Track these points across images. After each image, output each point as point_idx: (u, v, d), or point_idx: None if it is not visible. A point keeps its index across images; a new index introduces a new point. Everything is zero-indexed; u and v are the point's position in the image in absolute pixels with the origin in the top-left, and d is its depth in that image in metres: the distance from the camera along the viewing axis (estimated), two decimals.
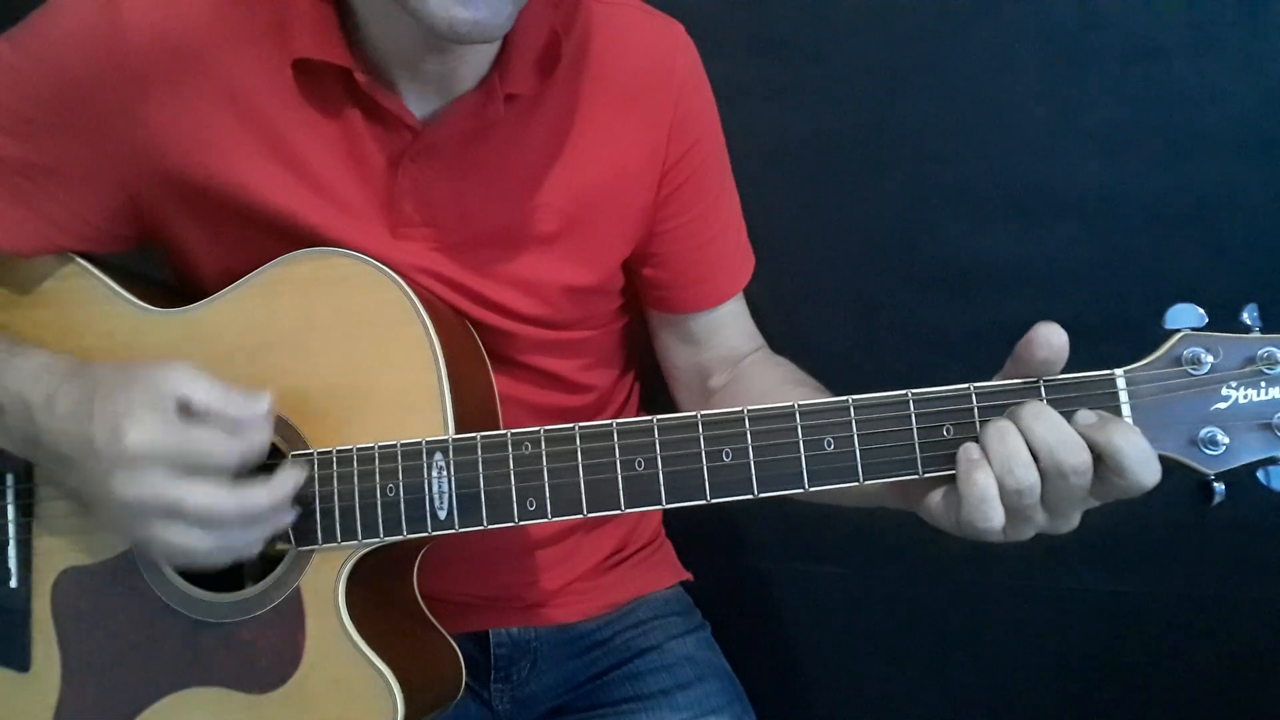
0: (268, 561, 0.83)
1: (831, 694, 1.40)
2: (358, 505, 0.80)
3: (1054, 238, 1.23)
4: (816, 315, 1.29)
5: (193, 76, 0.84)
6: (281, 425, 0.82)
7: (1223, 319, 0.72)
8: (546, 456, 0.78)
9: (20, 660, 0.84)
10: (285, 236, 0.86)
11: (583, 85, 0.90)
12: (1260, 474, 0.72)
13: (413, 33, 0.79)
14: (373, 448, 0.80)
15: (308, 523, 0.80)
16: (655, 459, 0.77)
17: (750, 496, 0.76)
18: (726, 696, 1.03)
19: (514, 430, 0.79)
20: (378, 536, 0.80)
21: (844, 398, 0.75)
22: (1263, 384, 0.71)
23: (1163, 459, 0.70)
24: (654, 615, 1.08)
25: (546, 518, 0.78)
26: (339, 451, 0.81)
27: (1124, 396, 0.72)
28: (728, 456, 0.76)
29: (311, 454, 0.81)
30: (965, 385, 0.74)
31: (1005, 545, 0.74)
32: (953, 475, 0.72)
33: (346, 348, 0.83)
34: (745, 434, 0.75)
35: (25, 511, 0.87)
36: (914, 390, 0.74)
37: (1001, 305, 1.24)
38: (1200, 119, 1.18)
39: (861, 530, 1.31)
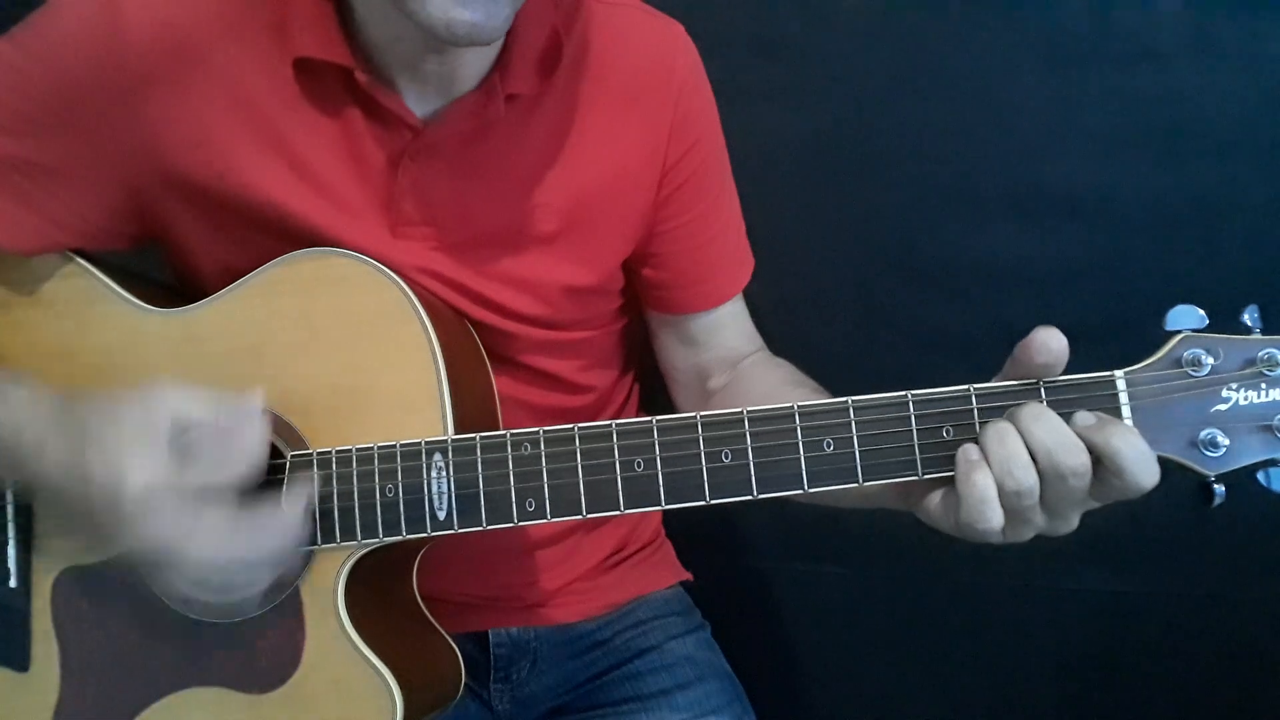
0: None
1: (831, 694, 1.40)
2: (357, 505, 0.80)
3: (1054, 238, 1.23)
4: (816, 315, 1.29)
5: (193, 75, 0.84)
6: (281, 425, 0.82)
7: (1223, 320, 0.72)
8: (546, 457, 0.78)
9: (20, 660, 0.84)
10: (285, 235, 0.86)
11: (583, 85, 0.90)
12: (1260, 476, 0.72)
13: (412, 34, 0.79)
14: (372, 448, 0.80)
15: (307, 523, 0.80)
16: (654, 460, 0.77)
17: (750, 497, 0.76)
18: (726, 696, 1.03)
19: (513, 431, 0.79)
20: (377, 537, 0.80)
21: (843, 399, 0.75)
22: (1263, 386, 0.71)
23: (1163, 460, 0.70)
24: (654, 615, 1.08)
25: (546, 518, 0.78)
26: (338, 452, 0.81)
27: (1124, 398, 0.72)
28: (727, 457, 0.76)
29: (311, 454, 0.81)
30: (965, 386, 0.74)
31: (1005, 546, 0.74)
32: (953, 476, 0.72)
33: (346, 348, 0.83)
34: (745, 435, 0.75)
35: (25, 511, 0.87)
36: (913, 391, 0.74)
37: (1001, 305, 1.24)
38: (1200, 119, 1.18)
39: (861, 530, 1.31)
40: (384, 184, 0.87)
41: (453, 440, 0.79)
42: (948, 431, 0.73)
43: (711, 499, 0.76)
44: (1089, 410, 0.71)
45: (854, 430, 0.74)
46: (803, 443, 0.75)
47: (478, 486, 0.79)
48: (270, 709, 0.81)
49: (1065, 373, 0.72)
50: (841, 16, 1.23)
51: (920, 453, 0.74)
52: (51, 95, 0.83)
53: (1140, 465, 0.68)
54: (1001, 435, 0.70)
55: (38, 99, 0.83)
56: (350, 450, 0.81)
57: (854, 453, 0.74)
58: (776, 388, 0.96)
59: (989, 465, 0.70)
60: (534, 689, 1.05)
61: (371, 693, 0.80)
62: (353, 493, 0.80)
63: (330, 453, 0.81)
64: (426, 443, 0.80)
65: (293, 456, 0.81)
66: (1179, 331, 0.72)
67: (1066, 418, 0.70)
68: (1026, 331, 0.72)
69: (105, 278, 0.88)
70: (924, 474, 0.74)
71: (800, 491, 0.75)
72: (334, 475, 0.81)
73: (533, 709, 1.05)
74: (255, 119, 0.84)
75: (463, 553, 0.94)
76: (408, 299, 0.82)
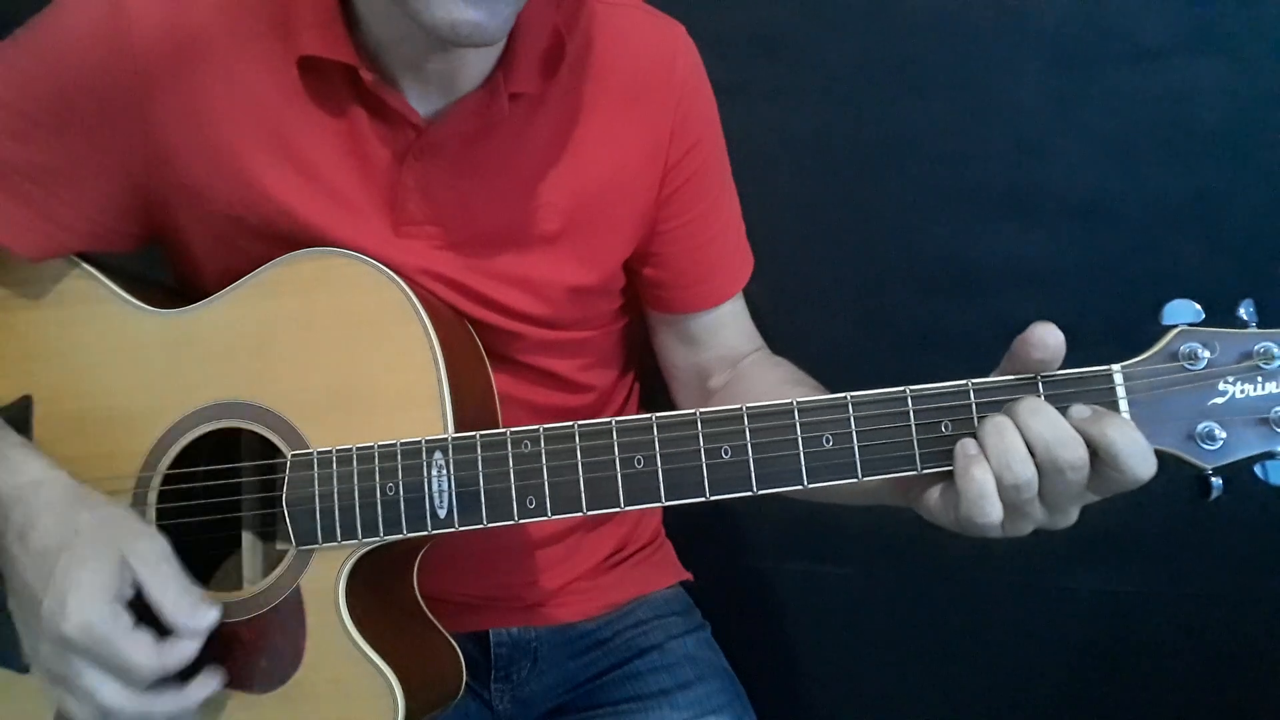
0: (269, 561, 0.83)
1: (831, 694, 1.40)
2: (357, 505, 0.80)
3: (1054, 238, 1.23)
4: (816, 315, 1.30)
5: (198, 75, 0.84)
6: (282, 425, 0.83)
7: (1219, 314, 0.72)
8: (546, 455, 0.78)
9: (20, 660, 0.84)
10: (289, 233, 0.86)
11: (585, 85, 0.90)
12: (1258, 469, 0.72)
13: (415, 34, 0.79)
14: (372, 447, 0.80)
15: (308, 523, 0.80)
16: (654, 457, 0.77)
17: (749, 493, 0.76)
18: (726, 696, 1.03)
19: (513, 429, 0.79)
20: (377, 535, 0.80)
21: (842, 395, 0.75)
22: (1259, 379, 0.71)
23: (1160, 454, 0.70)
24: (654, 615, 1.08)
25: (546, 516, 0.78)
26: (339, 451, 0.81)
27: (1121, 392, 0.72)
28: (727, 454, 0.76)
29: (311, 454, 0.81)
30: (963, 381, 0.74)
31: (1005, 544, 0.74)
32: (952, 471, 0.73)
33: (346, 347, 0.83)
34: (744, 431, 0.76)
35: None
36: (912, 387, 0.74)
37: (1001, 305, 1.24)
38: (1200, 119, 1.18)
39: (861, 530, 1.31)
40: (388, 183, 0.87)
41: (453, 438, 0.79)
42: (946, 426, 0.74)
43: (711, 495, 0.76)
44: (1086, 404, 0.71)
45: (853, 426, 0.74)
46: (802, 438, 0.75)
47: (478, 484, 0.79)
48: (271, 709, 0.81)
49: (1063, 369, 0.72)
50: (841, 16, 1.23)
51: (919, 448, 0.74)
52: (56, 97, 0.83)
53: (1136, 457, 0.68)
54: (999, 429, 0.70)
55: (43, 101, 0.83)
56: (350, 449, 0.81)
57: (853, 448, 0.74)
58: (776, 386, 0.96)
59: (987, 459, 0.70)
60: (534, 688, 1.05)
61: (373, 692, 0.80)
62: (353, 492, 0.80)
63: (330, 452, 0.81)
64: (427, 441, 0.80)
65: (293, 456, 0.82)
66: (1175, 326, 0.72)
67: (1063, 412, 0.70)
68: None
69: (106, 279, 0.88)
70: (923, 469, 0.74)
71: (800, 487, 0.75)
72: (334, 474, 0.81)
73: (533, 708, 1.05)
74: (260, 118, 0.85)
75: (463, 552, 0.94)
76: (408, 299, 0.82)
